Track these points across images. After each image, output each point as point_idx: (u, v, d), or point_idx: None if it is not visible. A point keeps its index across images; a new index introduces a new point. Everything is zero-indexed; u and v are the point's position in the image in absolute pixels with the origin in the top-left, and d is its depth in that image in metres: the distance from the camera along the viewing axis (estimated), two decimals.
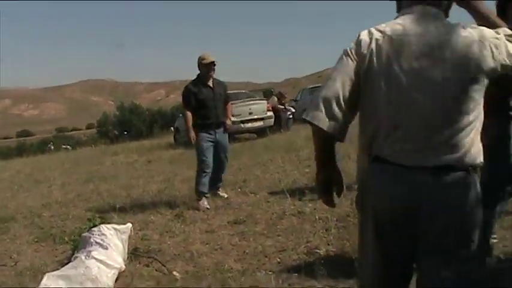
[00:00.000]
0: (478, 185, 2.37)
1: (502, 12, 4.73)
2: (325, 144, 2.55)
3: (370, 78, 2.37)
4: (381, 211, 2.41)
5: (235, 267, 5.27)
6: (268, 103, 20.77)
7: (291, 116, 22.13)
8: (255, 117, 19.65)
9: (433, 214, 2.30)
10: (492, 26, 2.44)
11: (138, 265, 5.58)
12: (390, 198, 2.37)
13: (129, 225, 5.85)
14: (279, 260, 5.39)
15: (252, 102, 20.05)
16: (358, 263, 2.72)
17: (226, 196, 8.54)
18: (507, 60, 2.34)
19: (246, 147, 15.81)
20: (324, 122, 2.39)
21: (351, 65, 2.41)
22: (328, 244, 5.63)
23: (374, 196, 2.45)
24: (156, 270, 5.43)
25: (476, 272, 2.44)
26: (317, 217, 6.70)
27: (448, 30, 2.35)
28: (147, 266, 5.57)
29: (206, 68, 8.22)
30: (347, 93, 2.39)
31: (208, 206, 8.00)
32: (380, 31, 2.41)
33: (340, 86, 2.39)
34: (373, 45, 2.37)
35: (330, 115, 2.38)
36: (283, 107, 21.65)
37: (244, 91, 23.81)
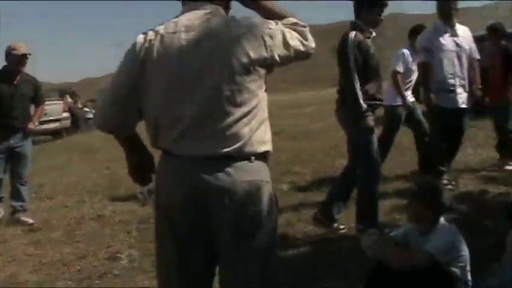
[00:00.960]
0: (265, 172, 2.44)
1: (357, 11, 5.16)
2: (120, 138, 2.66)
3: (145, 76, 2.42)
4: (171, 206, 2.41)
5: (31, 279, 4.99)
6: (63, 103, 20.16)
7: (90, 116, 21.66)
8: (51, 118, 18.92)
9: (219, 205, 2.32)
10: (280, 18, 2.53)
11: None
12: (176, 191, 2.38)
13: None
14: (79, 267, 5.20)
15: (47, 102, 19.21)
16: (156, 264, 2.66)
17: (30, 222, 6.93)
18: (284, 50, 2.43)
19: (42, 150, 15.12)
20: (104, 121, 2.56)
21: (127, 66, 2.48)
22: (130, 247, 5.56)
23: (163, 191, 2.46)
24: None
25: (273, 262, 2.48)
26: (117, 220, 6.63)
27: (219, 24, 2.41)
28: None
29: (16, 60, 7.02)
30: (125, 93, 2.47)
31: None
32: (154, 31, 2.47)
33: (118, 87, 2.49)
34: (147, 45, 2.43)
35: (110, 114, 2.52)
36: (80, 107, 21.14)
37: None
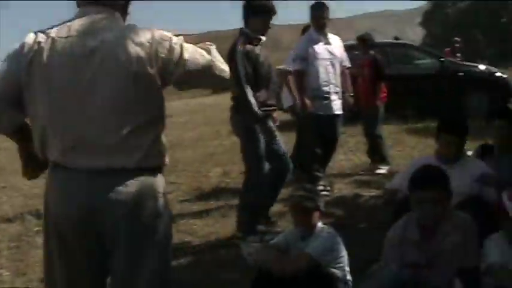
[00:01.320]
0: (161, 184, 2.40)
1: (245, 18, 5.11)
2: (12, 136, 2.50)
3: (32, 82, 2.28)
4: (63, 221, 2.29)
5: None
6: None
7: None
8: None
9: (115, 218, 2.25)
10: None
11: None
12: (69, 206, 2.26)
13: None
14: None
15: None
16: (45, 281, 2.54)
17: None
18: (180, 65, 2.32)
19: None
20: None
21: (11, 68, 2.33)
22: (1, 268, 5.22)
23: (54, 206, 2.33)
24: None
25: (167, 269, 2.50)
26: None
27: (114, 31, 2.30)
28: None
29: None
30: (7, 96, 2.32)
31: None
32: (45, 33, 2.32)
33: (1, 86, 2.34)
34: (35, 48, 2.28)
35: None
36: None
37: None
